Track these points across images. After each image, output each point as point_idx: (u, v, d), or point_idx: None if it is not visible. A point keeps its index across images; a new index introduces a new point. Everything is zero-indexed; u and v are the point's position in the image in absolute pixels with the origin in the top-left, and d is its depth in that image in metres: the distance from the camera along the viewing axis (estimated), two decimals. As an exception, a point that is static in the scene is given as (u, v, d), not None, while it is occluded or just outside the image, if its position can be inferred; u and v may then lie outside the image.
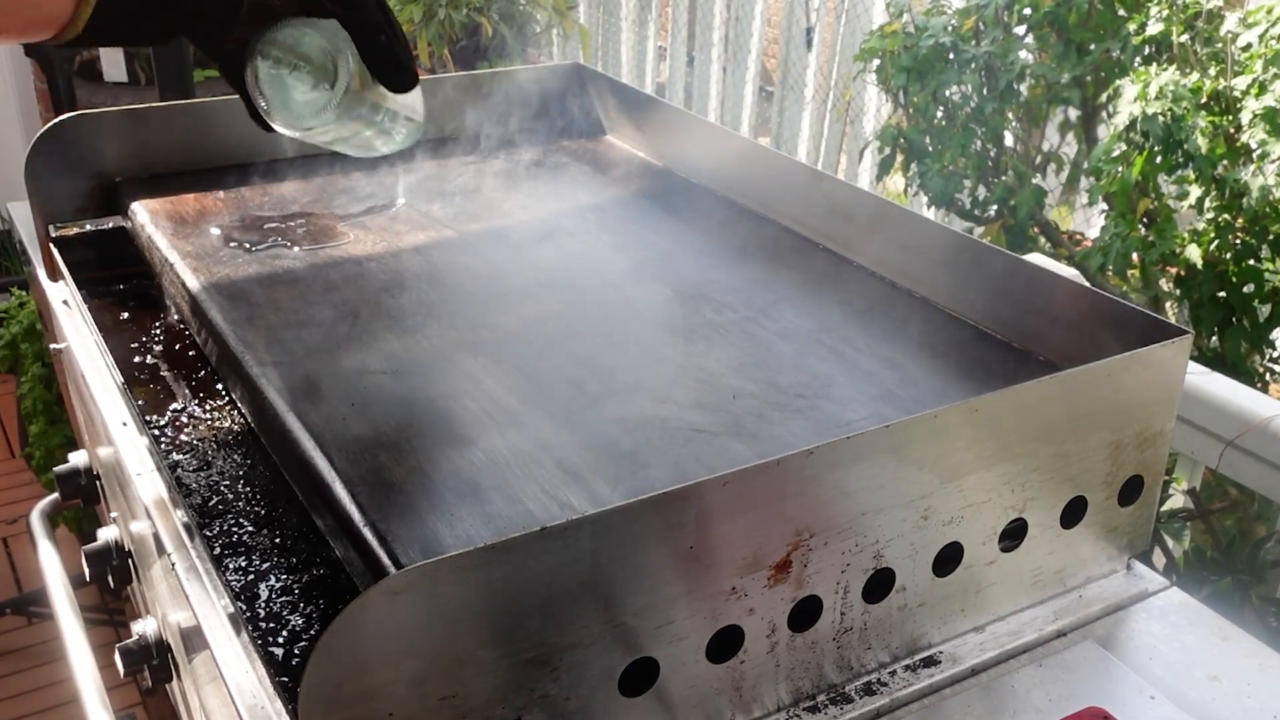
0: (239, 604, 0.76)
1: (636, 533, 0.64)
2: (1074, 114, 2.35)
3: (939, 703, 0.79)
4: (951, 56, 2.24)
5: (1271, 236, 1.70)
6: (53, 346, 1.29)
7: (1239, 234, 1.74)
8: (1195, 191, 1.76)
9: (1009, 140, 2.40)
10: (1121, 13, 2.10)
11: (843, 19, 3.29)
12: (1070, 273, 1.50)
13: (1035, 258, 1.43)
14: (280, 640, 0.74)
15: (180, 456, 0.92)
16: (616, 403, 0.89)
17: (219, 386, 1.01)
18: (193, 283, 1.06)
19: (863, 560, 0.74)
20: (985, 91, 2.26)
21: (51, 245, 1.17)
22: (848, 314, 1.05)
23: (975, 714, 0.78)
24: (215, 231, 1.17)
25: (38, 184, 1.20)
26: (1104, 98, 2.19)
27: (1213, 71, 1.79)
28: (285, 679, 0.71)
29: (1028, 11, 2.22)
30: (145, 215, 1.19)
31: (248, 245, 1.15)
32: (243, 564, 0.81)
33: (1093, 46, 2.13)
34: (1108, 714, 0.76)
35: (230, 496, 0.87)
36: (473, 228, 1.21)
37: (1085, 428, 0.81)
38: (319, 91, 0.87)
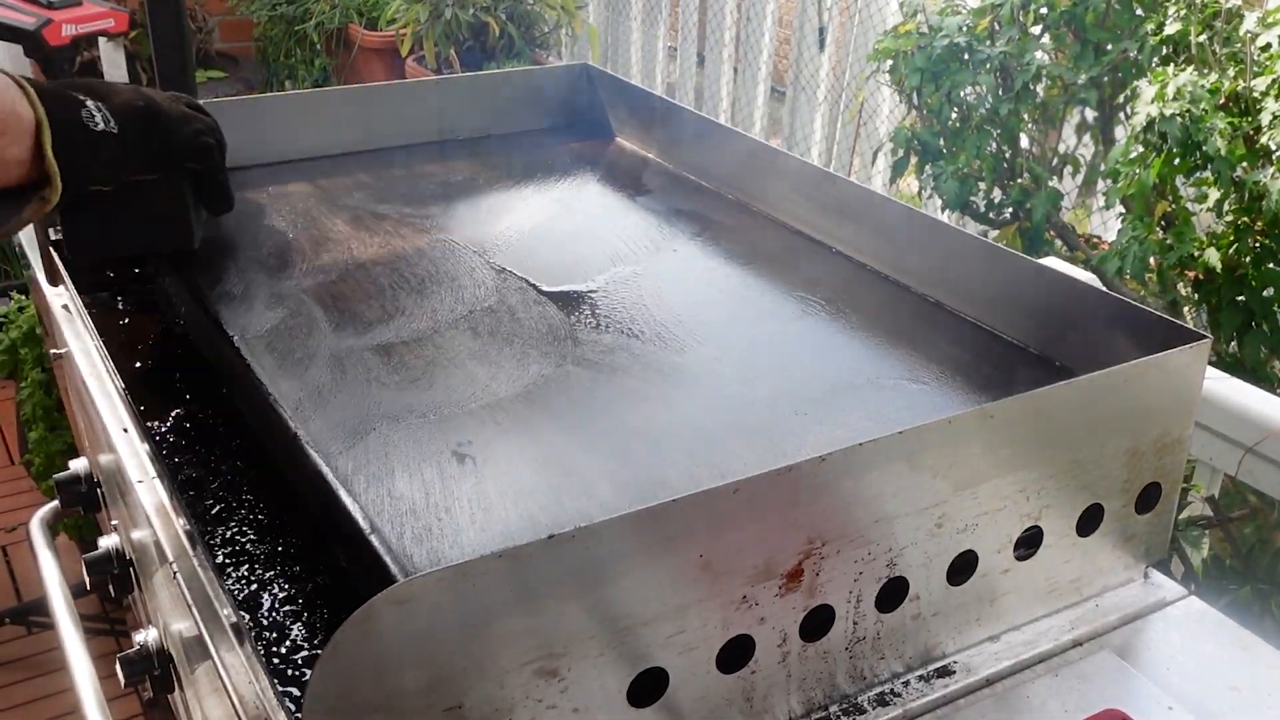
0: (242, 613, 0.75)
1: (646, 541, 0.63)
2: (1091, 115, 2.33)
3: (953, 713, 0.78)
4: (966, 57, 2.22)
5: (1291, 239, 1.68)
6: (53, 352, 1.29)
7: (1258, 237, 1.72)
8: (1214, 194, 1.74)
9: (1024, 142, 2.38)
10: (1139, 12, 2.08)
11: (855, 19, 3.28)
12: (1087, 276, 1.49)
13: (1051, 261, 1.42)
14: (284, 650, 0.73)
15: (182, 463, 0.91)
16: (626, 408, 0.88)
17: (221, 392, 1.00)
18: (194, 287, 1.05)
19: (876, 569, 0.73)
20: (1000, 92, 2.24)
21: (51, 249, 1.16)
22: (859, 318, 1.04)
23: (991, 726, 0.76)
24: (216, 233, 1.16)
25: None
26: (1121, 99, 2.18)
27: (1231, 72, 1.77)
28: (289, 689, 0.70)
29: (1044, 11, 2.21)
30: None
31: (249, 247, 1.14)
32: (245, 572, 0.80)
33: (1110, 46, 2.12)
34: (1126, 715, 0.75)
35: (233, 504, 0.86)
36: (478, 231, 1.21)
37: (1102, 434, 0.79)
38: None
